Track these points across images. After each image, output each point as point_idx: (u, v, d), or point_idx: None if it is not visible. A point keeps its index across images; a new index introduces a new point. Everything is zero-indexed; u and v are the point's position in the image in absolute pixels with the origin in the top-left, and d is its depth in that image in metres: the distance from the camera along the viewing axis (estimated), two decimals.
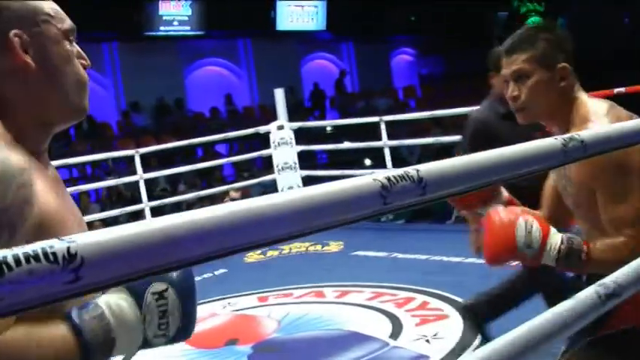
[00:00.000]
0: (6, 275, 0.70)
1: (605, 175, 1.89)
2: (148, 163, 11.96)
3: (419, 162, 13.41)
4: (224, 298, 5.53)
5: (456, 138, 10.08)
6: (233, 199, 7.98)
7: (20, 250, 0.71)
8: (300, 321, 3.11)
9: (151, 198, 7.95)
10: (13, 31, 1.24)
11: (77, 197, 10.90)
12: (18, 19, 1.25)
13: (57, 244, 0.73)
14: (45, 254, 0.72)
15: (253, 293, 5.56)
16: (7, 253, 0.71)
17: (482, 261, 5.68)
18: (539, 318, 1.30)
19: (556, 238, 1.88)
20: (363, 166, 11.54)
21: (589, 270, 1.94)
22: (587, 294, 1.40)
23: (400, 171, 1.01)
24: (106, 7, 15.28)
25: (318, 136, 13.28)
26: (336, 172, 8.12)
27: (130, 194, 10.90)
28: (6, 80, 1.24)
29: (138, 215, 9.22)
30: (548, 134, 1.99)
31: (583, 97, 2.05)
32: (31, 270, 0.71)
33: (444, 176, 1.06)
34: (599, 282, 1.43)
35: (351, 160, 11.25)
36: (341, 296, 5.25)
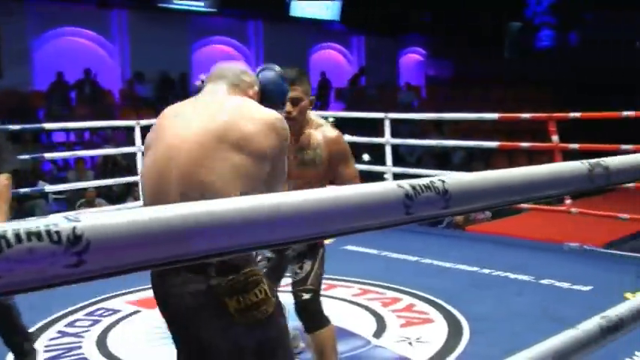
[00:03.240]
0: (5, 252, 0.64)
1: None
2: (146, 134, 11.88)
3: (418, 162, 13.38)
4: None
5: (456, 143, 10.07)
6: None
7: (22, 226, 0.66)
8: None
9: None
10: None
11: (73, 162, 10.85)
12: None
13: (62, 223, 0.68)
14: (48, 232, 0.66)
15: None
16: (7, 228, 0.66)
17: (471, 268, 5.67)
18: (544, 345, 1.25)
19: None
20: (362, 161, 11.49)
21: None
22: (591, 325, 1.36)
23: (425, 180, 0.96)
24: None
25: None
26: None
27: (126, 164, 10.82)
28: None
29: (132, 186, 9.18)
30: None
31: (310, 113, 3.24)
32: (31, 248, 0.65)
33: (468, 191, 1.01)
34: (602, 314, 1.38)
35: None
36: (328, 289, 5.20)
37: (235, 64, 2.39)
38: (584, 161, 1.24)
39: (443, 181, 0.98)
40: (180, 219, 0.72)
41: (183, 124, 2.11)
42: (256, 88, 2.35)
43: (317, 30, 19.70)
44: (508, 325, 4.48)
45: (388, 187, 0.91)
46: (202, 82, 2.38)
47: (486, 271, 5.75)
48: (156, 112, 10.13)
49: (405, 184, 0.93)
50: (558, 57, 20.16)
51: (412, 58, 22.94)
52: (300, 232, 0.81)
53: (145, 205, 2.08)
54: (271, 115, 2.16)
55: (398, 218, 0.91)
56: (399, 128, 12.71)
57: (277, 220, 0.78)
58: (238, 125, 2.07)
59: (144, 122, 7.61)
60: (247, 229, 0.76)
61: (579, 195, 6.94)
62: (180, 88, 16.17)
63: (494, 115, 7.10)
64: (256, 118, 2.11)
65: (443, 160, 14.23)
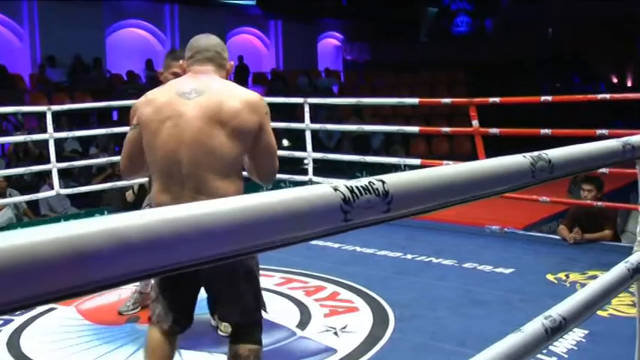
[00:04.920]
0: None
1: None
2: (60, 121, 11.46)
3: (337, 147, 13.38)
4: None
5: (377, 128, 10.06)
6: None
7: None
8: (204, 302, 2.97)
9: (60, 158, 7.61)
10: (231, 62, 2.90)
11: None
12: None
13: None
14: None
15: None
16: None
17: (395, 254, 5.65)
18: (489, 351, 1.18)
19: None
20: (281, 147, 11.39)
21: None
22: (535, 327, 1.30)
23: (364, 181, 0.87)
24: None
25: None
26: None
27: (38, 152, 10.39)
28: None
29: (44, 175, 8.86)
30: None
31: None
32: None
33: (411, 191, 0.92)
34: (545, 314, 1.32)
35: None
36: None
37: (213, 39, 2.88)
38: (527, 155, 1.18)
39: (383, 182, 0.88)
40: (78, 241, 0.60)
41: (187, 104, 2.66)
42: (230, 61, 2.93)
43: (234, 14, 19.42)
44: (432, 311, 4.48)
45: (323, 191, 0.81)
46: (185, 58, 2.86)
47: (409, 256, 5.74)
48: (70, 98, 9.77)
49: (342, 186, 0.83)
50: (474, 42, 20.47)
51: (330, 42, 22.89)
52: (222, 248, 0.70)
53: (160, 172, 2.71)
54: (252, 95, 2.74)
55: (335, 226, 0.82)
56: (319, 113, 12.66)
57: (193, 236, 0.67)
58: (226, 106, 2.64)
59: (55, 108, 7.31)
60: (158, 248, 0.65)
61: None
62: (95, 72, 15.67)
63: (415, 100, 7.10)
64: (241, 100, 2.68)
65: (362, 144, 14.24)
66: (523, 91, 8.05)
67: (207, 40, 2.86)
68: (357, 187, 0.84)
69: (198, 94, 2.67)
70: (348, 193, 0.82)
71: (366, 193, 0.85)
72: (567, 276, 5.03)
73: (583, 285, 4.82)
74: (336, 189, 0.82)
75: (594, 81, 18.88)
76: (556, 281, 4.96)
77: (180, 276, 2.48)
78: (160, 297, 2.82)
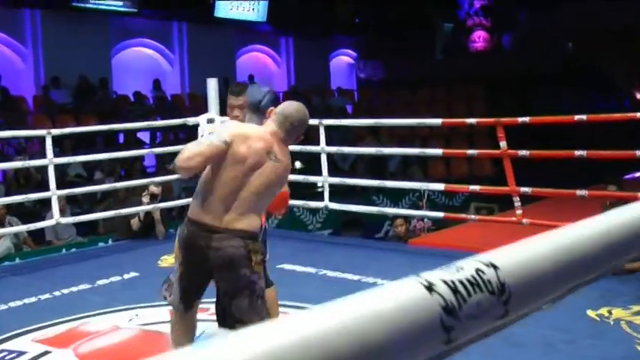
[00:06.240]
0: None
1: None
2: (63, 144, 11.12)
3: (352, 168, 12.95)
4: (131, 309, 4.89)
5: (396, 150, 9.68)
6: (152, 195, 7.33)
7: None
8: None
9: (64, 183, 7.23)
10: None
11: None
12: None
13: None
14: None
15: (166, 305, 4.94)
16: None
17: None
18: None
19: None
20: (294, 170, 11.01)
21: None
22: None
23: (468, 269, 0.49)
24: None
25: None
26: None
27: (40, 177, 9.95)
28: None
29: (45, 202, 8.48)
30: None
31: None
32: None
33: (535, 278, 0.54)
34: None
35: None
36: None
37: (303, 115, 3.58)
38: None
39: (495, 267, 0.51)
40: None
41: (269, 163, 3.41)
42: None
43: (244, 31, 19.08)
44: (463, 352, 4.06)
45: (410, 295, 0.43)
46: (275, 114, 3.58)
47: None
48: (74, 120, 9.41)
49: (439, 283, 0.45)
50: (491, 58, 20.08)
51: (343, 60, 22.54)
52: None
53: (217, 190, 3.34)
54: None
55: (431, 355, 0.44)
56: (332, 134, 12.28)
57: None
58: (283, 171, 3.49)
59: (55, 132, 6.89)
60: None
61: (527, 200, 6.57)
62: (101, 93, 15.29)
63: (438, 121, 6.63)
64: (287, 168, 3.53)
65: (378, 165, 13.84)
66: (543, 107, 7.68)
67: (298, 116, 3.55)
68: (461, 283, 0.46)
69: (275, 160, 3.43)
70: (450, 296, 0.44)
71: (475, 291, 0.47)
72: (610, 312, 4.60)
73: (629, 323, 4.40)
74: (430, 288, 0.44)
75: (617, 97, 18.47)
76: (598, 318, 4.53)
77: (195, 270, 3.40)
78: (178, 284, 3.49)
